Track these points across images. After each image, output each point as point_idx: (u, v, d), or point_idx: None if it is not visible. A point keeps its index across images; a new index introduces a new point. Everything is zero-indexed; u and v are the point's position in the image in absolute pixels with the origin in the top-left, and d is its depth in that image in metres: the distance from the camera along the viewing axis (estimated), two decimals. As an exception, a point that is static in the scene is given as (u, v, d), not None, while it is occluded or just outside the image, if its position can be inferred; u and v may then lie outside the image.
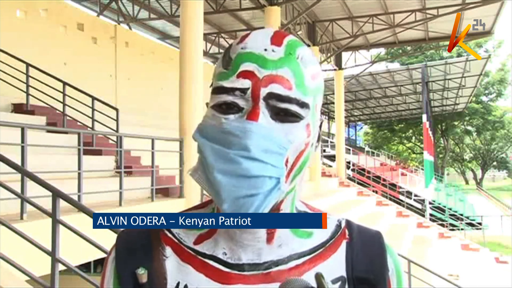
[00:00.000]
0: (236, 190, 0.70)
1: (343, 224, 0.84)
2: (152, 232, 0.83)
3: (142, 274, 0.79)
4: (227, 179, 0.70)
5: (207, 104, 0.80)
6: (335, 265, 0.80)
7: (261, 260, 0.78)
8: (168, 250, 0.81)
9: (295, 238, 0.81)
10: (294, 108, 0.74)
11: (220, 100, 0.75)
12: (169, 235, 0.82)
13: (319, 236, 0.82)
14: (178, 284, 0.78)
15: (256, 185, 0.70)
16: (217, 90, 0.75)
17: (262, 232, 0.78)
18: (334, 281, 0.78)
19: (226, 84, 0.74)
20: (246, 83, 0.73)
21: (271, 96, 0.73)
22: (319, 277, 0.72)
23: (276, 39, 0.76)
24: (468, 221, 23.36)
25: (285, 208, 0.79)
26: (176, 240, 0.81)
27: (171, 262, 0.80)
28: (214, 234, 0.80)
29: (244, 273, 0.77)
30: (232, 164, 0.70)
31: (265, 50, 0.75)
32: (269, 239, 0.79)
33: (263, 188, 0.70)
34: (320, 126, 0.82)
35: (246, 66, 0.74)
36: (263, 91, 0.73)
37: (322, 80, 0.80)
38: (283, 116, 0.74)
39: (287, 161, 0.73)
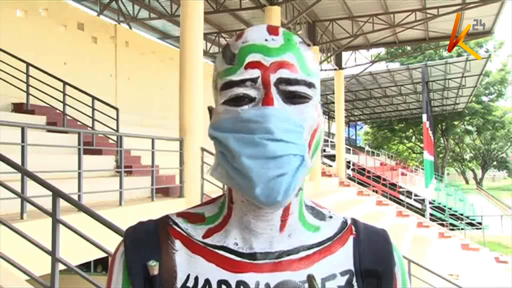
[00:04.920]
0: (266, 172, 0.72)
1: (349, 222, 0.87)
2: (160, 227, 0.84)
3: (154, 266, 0.79)
4: (255, 162, 0.72)
5: (209, 108, 0.82)
6: (343, 259, 0.82)
7: (273, 249, 0.80)
8: (178, 244, 0.82)
9: (304, 230, 0.83)
10: (302, 89, 0.77)
11: (232, 93, 0.77)
12: (178, 229, 0.83)
13: (326, 231, 0.85)
14: (188, 276, 0.79)
15: (283, 164, 0.72)
16: (227, 86, 0.77)
17: (276, 220, 0.80)
18: (342, 274, 0.81)
19: (235, 77, 0.76)
20: (255, 73, 0.76)
21: (280, 81, 0.76)
22: (310, 278, 0.74)
23: (272, 30, 0.79)
24: (468, 221, 23.35)
25: (294, 202, 0.82)
26: (185, 234, 0.83)
27: (181, 255, 0.81)
28: (225, 225, 0.82)
29: (256, 262, 0.79)
30: (258, 147, 0.72)
31: (266, 40, 0.78)
32: (282, 227, 0.80)
33: (290, 167, 0.73)
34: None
35: (252, 57, 0.76)
36: (273, 77, 0.76)
37: (318, 64, 0.84)
38: (293, 98, 0.77)
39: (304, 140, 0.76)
